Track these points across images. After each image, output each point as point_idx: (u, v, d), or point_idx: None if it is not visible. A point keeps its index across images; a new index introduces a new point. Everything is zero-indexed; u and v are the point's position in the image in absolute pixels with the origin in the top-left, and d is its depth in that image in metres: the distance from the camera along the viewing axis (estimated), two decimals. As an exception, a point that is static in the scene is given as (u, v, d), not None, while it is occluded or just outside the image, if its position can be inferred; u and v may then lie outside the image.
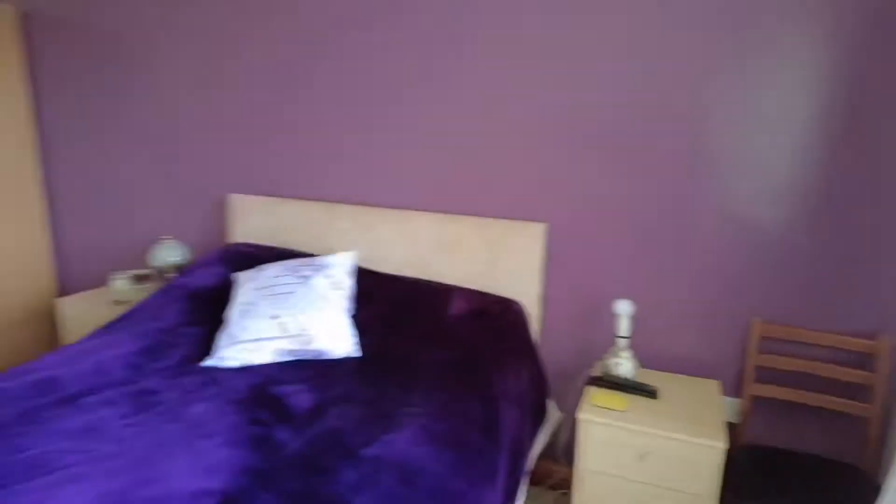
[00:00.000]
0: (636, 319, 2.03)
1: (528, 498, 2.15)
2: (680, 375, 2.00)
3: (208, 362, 1.79)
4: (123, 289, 2.63)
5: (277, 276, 1.96)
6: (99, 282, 3.03)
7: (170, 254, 2.58)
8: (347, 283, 1.99)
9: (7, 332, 2.92)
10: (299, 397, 1.60)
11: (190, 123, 2.66)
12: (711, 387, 1.91)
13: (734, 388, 1.96)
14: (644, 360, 2.06)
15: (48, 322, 3.11)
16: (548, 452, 2.24)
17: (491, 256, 2.12)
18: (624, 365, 1.88)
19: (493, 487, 1.37)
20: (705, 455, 1.63)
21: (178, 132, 2.70)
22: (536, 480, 2.24)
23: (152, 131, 2.76)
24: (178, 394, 1.62)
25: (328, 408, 1.55)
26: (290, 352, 1.81)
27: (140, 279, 2.71)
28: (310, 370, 1.76)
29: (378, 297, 2.06)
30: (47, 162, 3.03)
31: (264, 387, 1.65)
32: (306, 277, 1.94)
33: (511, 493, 1.53)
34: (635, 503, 1.74)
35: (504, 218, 2.14)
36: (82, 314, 2.55)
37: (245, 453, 1.36)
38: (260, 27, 2.41)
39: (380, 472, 1.29)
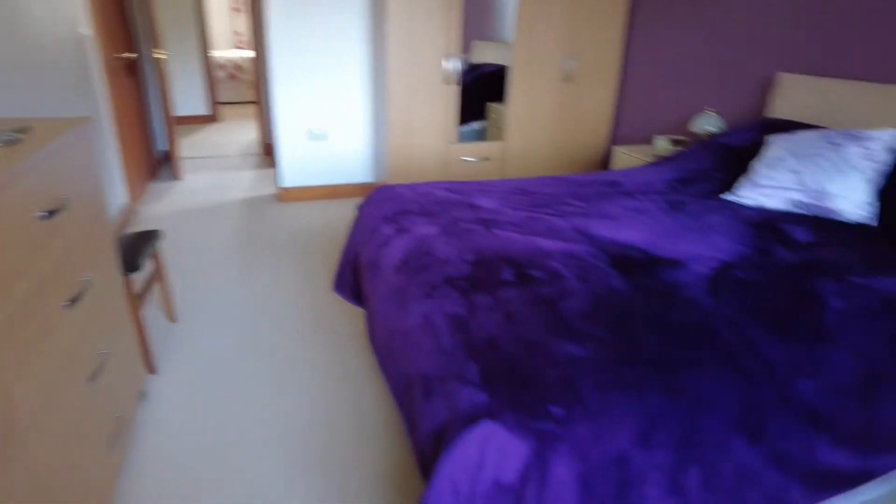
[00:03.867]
0: None
1: None
2: None
3: (727, 196, 2.19)
4: (664, 146, 3.26)
5: (809, 140, 2.13)
6: (642, 140, 3.80)
7: (709, 123, 3.01)
8: (883, 158, 1.99)
9: (571, 165, 4.10)
10: (800, 233, 1.84)
11: (744, 5, 2.91)
12: None
13: None
14: None
15: (600, 164, 4.16)
16: None
17: None
18: None
19: None
20: None
21: (732, 14, 3.00)
22: None
23: (711, 16, 3.13)
24: (700, 208, 2.10)
25: (825, 245, 1.75)
26: (802, 204, 2.02)
27: (677, 142, 3.28)
28: (815, 221, 1.95)
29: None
30: (628, 43, 3.86)
31: (771, 221, 1.96)
32: (838, 145, 2.04)
33: None
34: None
35: None
36: (628, 160, 3.32)
37: (745, 249, 1.74)
38: None
39: (865, 296, 1.46)
